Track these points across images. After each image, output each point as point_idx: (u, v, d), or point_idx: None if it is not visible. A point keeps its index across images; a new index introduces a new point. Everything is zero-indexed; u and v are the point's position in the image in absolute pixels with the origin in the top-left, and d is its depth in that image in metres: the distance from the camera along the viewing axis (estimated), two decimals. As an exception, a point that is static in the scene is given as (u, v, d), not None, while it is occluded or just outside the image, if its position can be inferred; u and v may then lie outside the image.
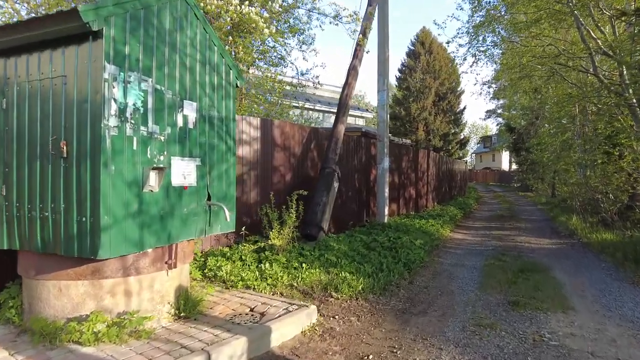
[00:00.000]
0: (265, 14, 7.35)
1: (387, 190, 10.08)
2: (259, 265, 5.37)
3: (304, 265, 5.59)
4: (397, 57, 76.32)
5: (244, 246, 5.77)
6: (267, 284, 4.97)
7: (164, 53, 3.53)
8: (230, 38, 7.04)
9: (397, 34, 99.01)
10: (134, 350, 3.12)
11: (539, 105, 18.57)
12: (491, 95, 22.01)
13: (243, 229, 6.06)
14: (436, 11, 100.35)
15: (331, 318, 4.38)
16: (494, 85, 19.50)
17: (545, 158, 16.05)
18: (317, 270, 5.52)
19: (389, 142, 10.49)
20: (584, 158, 12.48)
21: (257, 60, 8.90)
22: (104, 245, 2.98)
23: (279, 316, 3.92)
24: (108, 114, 3.01)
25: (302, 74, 10.47)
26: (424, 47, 31.49)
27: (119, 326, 3.27)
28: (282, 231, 5.98)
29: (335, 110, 8.87)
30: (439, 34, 39.60)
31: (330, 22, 8.61)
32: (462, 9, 37.63)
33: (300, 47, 9.81)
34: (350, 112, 23.78)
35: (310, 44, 10.66)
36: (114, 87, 3.05)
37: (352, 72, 8.82)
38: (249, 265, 5.36)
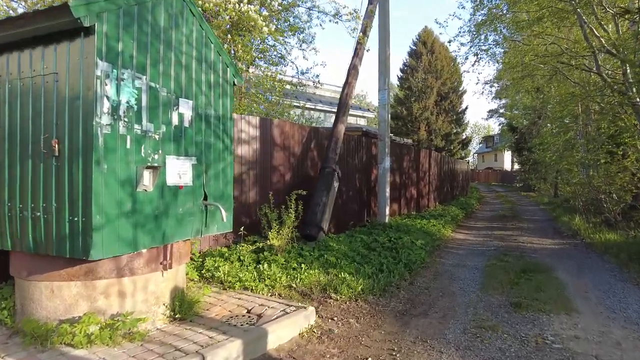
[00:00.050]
0: (265, 12, 7.28)
1: (388, 190, 10.00)
2: (257, 266, 5.30)
3: (303, 265, 5.52)
4: (398, 57, 76.31)
5: (243, 246, 5.71)
6: (265, 285, 4.90)
7: (158, 50, 3.46)
8: (229, 36, 6.98)
9: (398, 34, 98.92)
10: (127, 352, 3.06)
11: (542, 104, 18.45)
12: (493, 95, 21.92)
13: (242, 229, 5.99)
14: (437, 11, 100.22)
15: (330, 320, 4.31)
16: (496, 85, 19.41)
17: (548, 158, 15.94)
18: (316, 271, 5.45)
19: (390, 141, 10.41)
20: (587, 158, 12.37)
21: (256, 59, 8.83)
22: (96, 245, 2.92)
23: (276, 318, 3.85)
24: (100, 111, 2.95)
25: (303, 73, 10.40)
26: (425, 46, 31.38)
27: (112, 328, 3.21)
28: (281, 231, 5.91)
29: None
30: (440, 33, 39.49)
31: (330, 20, 8.50)
32: (463, 7, 37.55)
33: (300, 45, 9.72)
34: (351, 112, 23.78)
35: (311, 42, 10.66)
36: (106, 85, 2.99)
37: (353, 71, 8.75)
38: (247, 266, 5.29)
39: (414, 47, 32.19)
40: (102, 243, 2.96)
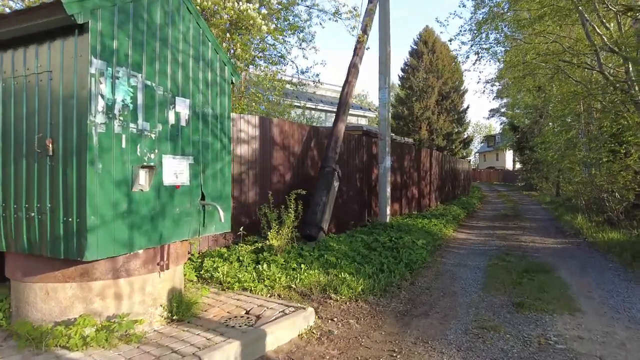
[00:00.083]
0: (264, 11, 7.22)
1: (389, 189, 9.94)
2: (257, 266, 5.25)
3: (302, 266, 5.47)
4: (398, 57, 76.07)
5: (242, 247, 5.65)
6: (265, 286, 4.85)
7: (154, 48, 3.42)
8: (228, 35, 6.93)
9: (399, 34, 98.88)
10: (123, 355, 3.01)
11: (543, 103, 18.36)
12: (494, 94, 21.84)
13: (241, 229, 5.95)
14: (437, 11, 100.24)
15: (329, 320, 4.25)
16: (497, 84, 19.32)
17: (550, 157, 15.85)
18: (316, 271, 5.39)
19: (390, 140, 10.35)
20: (589, 156, 12.29)
21: (256, 59, 8.78)
22: (90, 246, 2.87)
23: (275, 319, 3.80)
24: (95, 110, 2.90)
25: (303, 72, 10.33)
26: (426, 46, 31.31)
27: (109, 330, 3.16)
28: (280, 231, 5.86)
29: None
30: (441, 32, 39.37)
31: (330, 19, 8.43)
32: (464, 6, 37.40)
33: (300, 44, 9.66)
34: (352, 112, 23.77)
35: (311, 41, 10.50)
36: (101, 83, 2.94)
37: (353, 69, 8.69)
38: (246, 267, 5.24)
39: (415, 47, 32.13)
40: (97, 244, 2.92)
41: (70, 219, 2.91)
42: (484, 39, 13.12)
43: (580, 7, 9.06)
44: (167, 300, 3.71)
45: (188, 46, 3.80)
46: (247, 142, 6.31)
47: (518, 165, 40.72)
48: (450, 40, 29.83)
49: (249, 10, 6.53)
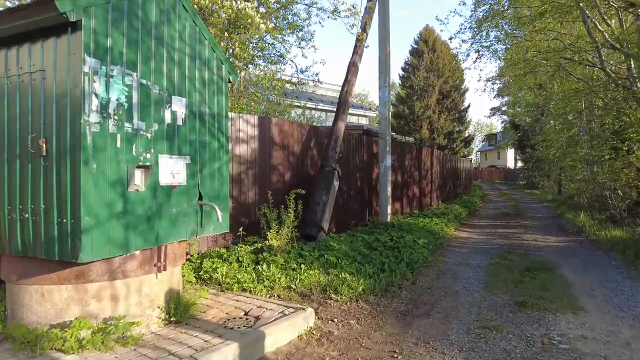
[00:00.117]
0: (262, 10, 7.17)
1: (389, 188, 9.89)
2: (256, 267, 5.20)
3: (302, 266, 5.42)
4: (398, 56, 76.26)
5: (241, 247, 5.61)
6: (264, 286, 4.81)
7: (149, 46, 3.37)
8: (227, 34, 6.89)
9: (399, 34, 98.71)
10: (119, 357, 2.96)
11: (544, 101, 18.28)
12: (495, 92, 21.75)
13: (241, 229, 5.90)
14: (437, 11, 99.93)
15: (329, 321, 4.20)
16: (498, 82, 19.23)
17: (551, 155, 15.78)
18: (316, 271, 5.34)
19: (391, 139, 10.29)
20: (591, 154, 12.21)
21: (255, 58, 8.73)
22: (85, 247, 2.82)
23: (275, 320, 3.75)
24: (89, 109, 2.85)
25: (302, 71, 10.28)
26: (427, 45, 31.24)
27: (105, 332, 3.12)
28: (280, 231, 5.81)
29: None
30: (441, 31, 39.34)
31: (329, 17, 8.39)
32: (464, 3, 37.27)
33: (299, 43, 9.61)
34: (353, 111, 23.72)
35: (310, 40, 10.49)
36: (94, 82, 2.89)
37: (352, 68, 8.64)
38: (245, 267, 5.19)
39: (415, 46, 32.07)
40: (92, 245, 2.87)
41: (64, 220, 2.87)
42: (484, 37, 13.07)
43: (581, 4, 9.00)
44: (164, 302, 3.67)
45: (184, 44, 3.75)
46: (246, 142, 6.26)
47: (519, 164, 40.61)
48: (450, 39, 29.86)
49: (247, 9, 6.48)
